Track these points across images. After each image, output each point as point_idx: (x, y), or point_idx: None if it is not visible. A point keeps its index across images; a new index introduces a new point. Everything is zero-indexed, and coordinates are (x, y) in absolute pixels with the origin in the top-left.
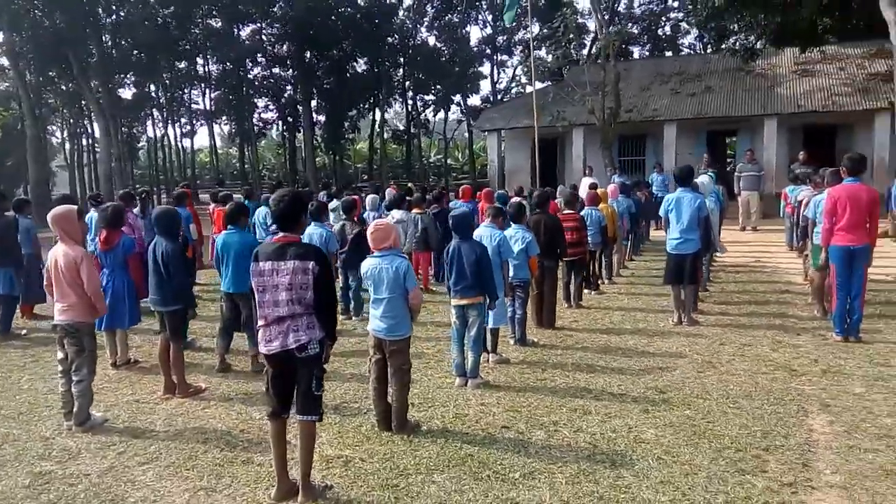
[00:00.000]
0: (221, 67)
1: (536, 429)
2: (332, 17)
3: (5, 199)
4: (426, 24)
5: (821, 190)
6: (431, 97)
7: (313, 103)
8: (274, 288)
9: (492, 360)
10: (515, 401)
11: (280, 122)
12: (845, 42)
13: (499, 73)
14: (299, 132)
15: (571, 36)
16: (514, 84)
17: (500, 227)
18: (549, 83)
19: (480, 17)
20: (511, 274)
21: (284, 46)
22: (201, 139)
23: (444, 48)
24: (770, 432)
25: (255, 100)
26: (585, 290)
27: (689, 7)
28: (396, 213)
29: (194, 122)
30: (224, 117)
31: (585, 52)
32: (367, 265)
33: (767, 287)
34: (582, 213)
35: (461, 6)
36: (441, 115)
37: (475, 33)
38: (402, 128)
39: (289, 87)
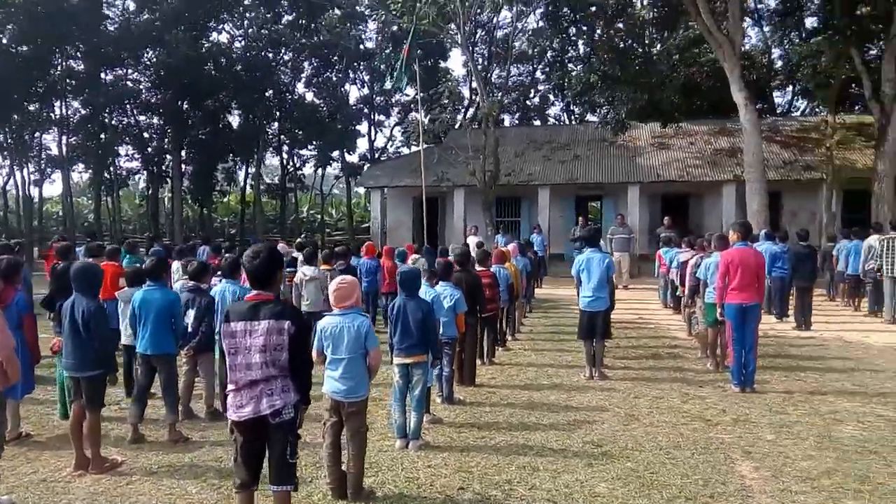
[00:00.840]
0: (81, 112)
1: (492, 489)
2: (209, 67)
3: None
4: (304, 80)
5: (708, 253)
6: (309, 152)
7: (182, 153)
8: (246, 350)
9: (426, 420)
10: (462, 461)
11: (144, 172)
12: (694, 120)
13: (376, 133)
14: (166, 183)
15: (455, 103)
16: (391, 144)
17: (432, 285)
18: (429, 145)
19: (358, 77)
20: (440, 332)
21: (155, 95)
22: (49, 188)
23: (322, 105)
24: (709, 480)
25: (117, 147)
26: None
27: (565, 82)
28: (308, 271)
29: (46, 168)
30: (81, 165)
31: (460, 117)
32: (327, 323)
33: (657, 342)
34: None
35: (340, 65)
36: (316, 170)
37: (353, 92)
38: (276, 182)
39: (155, 136)
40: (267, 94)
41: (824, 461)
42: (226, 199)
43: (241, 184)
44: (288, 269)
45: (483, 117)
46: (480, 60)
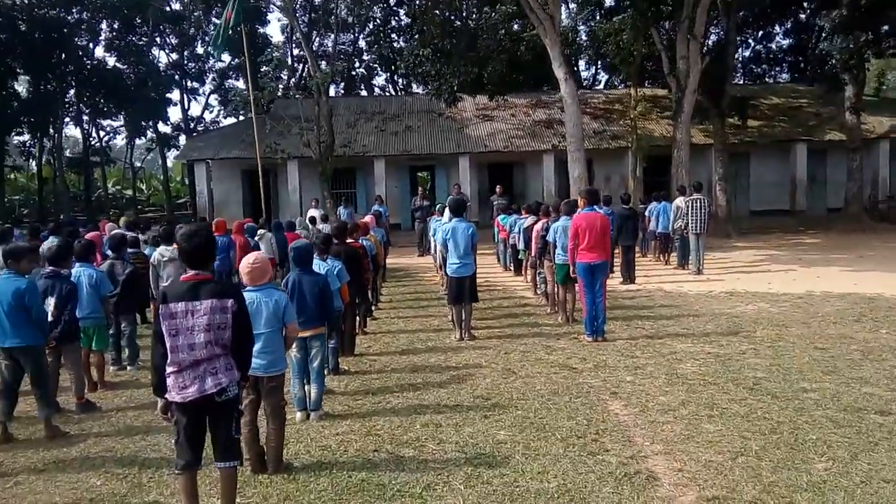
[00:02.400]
0: None
1: (403, 447)
2: None
3: None
4: (104, 43)
5: (555, 217)
6: (114, 123)
7: None
8: (188, 330)
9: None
10: (367, 426)
11: None
12: (514, 93)
13: (189, 102)
14: None
15: (280, 71)
16: (207, 112)
17: (322, 259)
18: (251, 115)
19: (167, 41)
20: None
21: None
22: None
23: (128, 70)
24: (591, 419)
25: None
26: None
27: (394, 54)
28: (166, 251)
29: None
30: None
31: (281, 86)
32: (249, 297)
33: (509, 302)
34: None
35: (146, 28)
36: (122, 142)
37: (162, 58)
38: (79, 155)
39: None
40: (60, 57)
41: (677, 395)
42: (12, 176)
43: (37, 158)
44: (130, 251)
45: (315, 86)
46: (300, 27)
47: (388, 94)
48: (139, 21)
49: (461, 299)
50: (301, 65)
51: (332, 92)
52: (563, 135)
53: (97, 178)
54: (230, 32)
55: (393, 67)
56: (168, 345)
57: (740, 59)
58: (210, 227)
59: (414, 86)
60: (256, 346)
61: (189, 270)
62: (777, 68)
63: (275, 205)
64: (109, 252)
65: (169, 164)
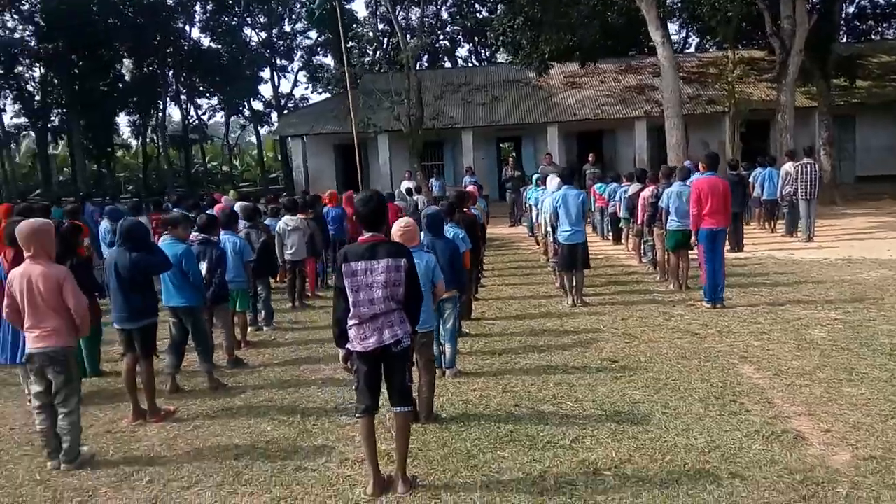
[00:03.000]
0: None
1: (542, 403)
2: (96, 11)
3: None
4: (199, 24)
5: (666, 184)
6: (208, 102)
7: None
8: (368, 287)
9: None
10: (502, 384)
11: (31, 130)
12: (602, 59)
13: (279, 79)
14: (59, 139)
15: (369, 46)
16: (296, 89)
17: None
18: (342, 91)
19: (256, 20)
20: None
21: (40, 44)
22: None
23: (223, 51)
24: (725, 382)
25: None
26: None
27: (486, 26)
28: (291, 220)
29: None
30: None
31: (368, 60)
32: None
33: (615, 271)
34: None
35: (238, 7)
36: (219, 119)
37: (253, 37)
38: (177, 133)
39: (42, 89)
40: (160, 39)
41: (810, 359)
42: (119, 153)
43: (141, 136)
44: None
45: (405, 60)
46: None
47: (470, 65)
48: (230, 2)
49: (573, 265)
50: (386, 39)
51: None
52: (655, 101)
53: (195, 155)
54: (325, 6)
55: (477, 38)
56: (350, 300)
57: (844, 15)
58: (382, 194)
59: (498, 56)
60: None
61: (365, 232)
62: (884, 24)
63: (366, 177)
64: (242, 222)
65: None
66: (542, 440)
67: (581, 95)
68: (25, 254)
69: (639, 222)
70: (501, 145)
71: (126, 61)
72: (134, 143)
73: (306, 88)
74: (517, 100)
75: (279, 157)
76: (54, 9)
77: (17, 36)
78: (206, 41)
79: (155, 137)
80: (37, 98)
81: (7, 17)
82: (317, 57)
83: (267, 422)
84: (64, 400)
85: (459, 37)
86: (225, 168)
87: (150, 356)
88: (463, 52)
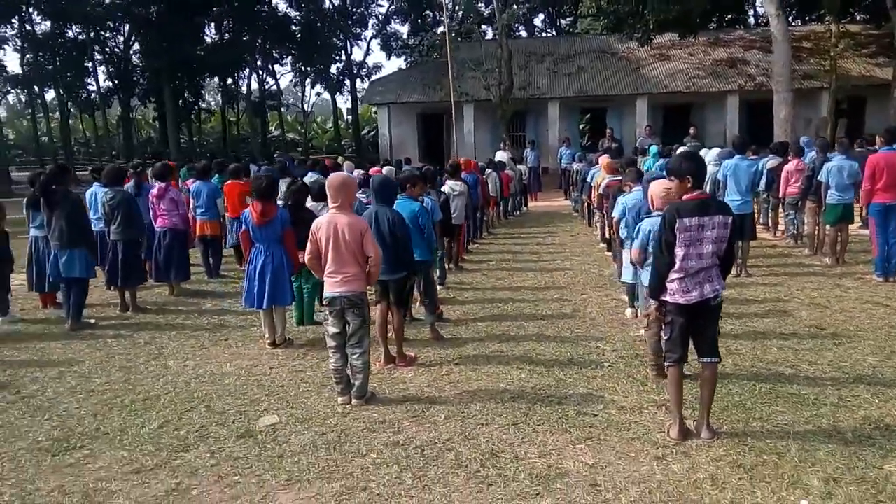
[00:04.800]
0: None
1: (777, 365)
2: None
3: (68, 171)
4: None
5: (822, 157)
6: (286, 70)
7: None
8: (698, 242)
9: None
10: (723, 346)
11: (119, 94)
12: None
13: (351, 47)
14: (148, 103)
15: (471, 14)
16: (369, 56)
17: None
18: (435, 58)
19: None
20: None
21: (141, 9)
22: None
23: (299, 17)
24: None
25: (89, 65)
26: None
27: None
28: (455, 185)
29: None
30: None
31: (458, 28)
32: (656, 222)
33: (757, 244)
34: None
35: None
36: (313, 86)
37: (327, 4)
38: (256, 99)
39: (134, 56)
40: (243, 5)
41: None
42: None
43: (225, 103)
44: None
45: (501, 28)
46: None
47: (548, 34)
48: None
49: (742, 235)
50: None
51: (490, 35)
52: (748, 75)
53: (269, 122)
54: None
55: (552, 7)
56: (679, 254)
57: None
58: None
59: (579, 25)
60: None
61: (694, 191)
62: None
63: (448, 147)
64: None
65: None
66: (808, 398)
67: (671, 68)
68: (332, 204)
69: (781, 195)
70: (581, 117)
71: (212, 26)
72: (215, 108)
73: (388, 56)
74: (604, 71)
75: (349, 128)
76: None
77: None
78: (282, 6)
79: (235, 104)
80: (133, 61)
81: None
82: (390, 26)
83: (514, 370)
84: (359, 341)
85: (536, 5)
86: (291, 136)
87: (402, 306)
88: (537, 21)
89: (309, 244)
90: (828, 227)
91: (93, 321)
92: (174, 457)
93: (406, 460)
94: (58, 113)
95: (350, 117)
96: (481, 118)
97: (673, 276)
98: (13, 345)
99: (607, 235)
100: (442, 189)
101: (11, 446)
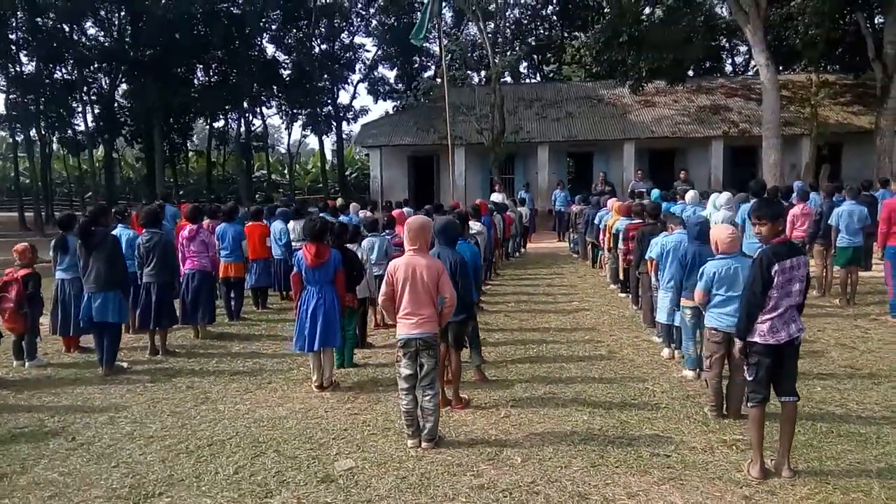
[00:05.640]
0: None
1: (827, 405)
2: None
3: (107, 213)
4: (269, 36)
5: (829, 202)
6: (274, 112)
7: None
8: (788, 282)
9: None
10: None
11: (105, 133)
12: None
13: (337, 91)
14: (134, 145)
15: (464, 61)
16: (356, 99)
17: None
18: (401, 103)
19: (320, 32)
20: None
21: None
22: None
23: (287, 61)
24: None
25: (77, 105)
26: None
27: (583, 42)
28: (475, 225)
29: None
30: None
31: (430, 73)
32: (720, 265)
33: None
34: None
35: (309, 20)
36: (312, 130)
37: (316, 49)
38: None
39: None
40: (237, 50)
41: None
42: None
43: (207, 144)
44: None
45: (495, 74)
46: (481, 17)
47: (530, 80)
48: (299, 13)
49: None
50: (466, 54)
51: (476, 80)
52: (731, 121)
53: (254, 162)
54: (431, 23)
55: (537, 56)
56: (773, 295)
57: None
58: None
59: (564, 70)
60: (729, 308)
61: (780, 235)
62: None
63: (438, 190)
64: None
65: (326, 148)
66: (870, 437)
67: (656, 114)
68: (409, 246)
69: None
70: (568, 161)
71: (199, 71)
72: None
73: (374, 100)
74: (591, 116)
75: (334, 168)
76: (146, 16)
77: (103, 44)
78: (270, 50)
79: (223, 145)
80: (120, 102)
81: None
82: (377, 70)
83: (574, 411)
84: (430, 382)
85: (524, 53)
86: (274, 177)
87: (460, 348)
88: (522, 68)
89: (384, 286)
90: (836, 268)
91: (125, 365)
92: (260, 503)
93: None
94: (29, 153)
95: (333, 159)
96: (472, 161)
97: (764, 317)
98: (50, 389)
99: (620, 277)
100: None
101: (87, 494)
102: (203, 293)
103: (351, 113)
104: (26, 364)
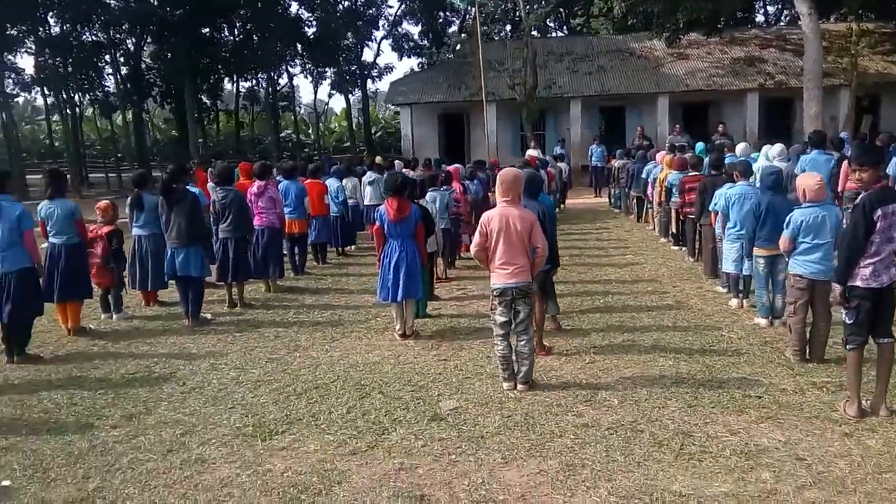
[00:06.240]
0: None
1: None
2: None
3: (187, 171)
4: None
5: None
6: (299, 70)
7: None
8: (888, 227)
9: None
10: None
11: (134, 94)
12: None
13: (362, 48)
14: (164, 106)
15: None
16: (380, 56)
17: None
18: (426, 59)
19: None
20: None
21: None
22: None
23: (311, 18)
24: None
25: (106, 67)
26: None
27: None
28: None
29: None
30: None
31: (453, 29)
32: (808, 213)
33: None
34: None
35: None
36: (342, 89)
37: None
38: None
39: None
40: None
41: None
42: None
43: (234, 104)
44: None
45: (527, 28)
46: None
47: (558, 34)
48: None
49: None
50: (474, 8)
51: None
52: (767, 73)
53: (282, 122)
54: None
55: (564, 8)
56: (875, 240)
57: None
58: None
59: (592, 24)
60: (816, 255)
61: (880, 181)
62: None
63: (468, 147)
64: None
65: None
66: None
67: (690, 66)
68: (502, 198)
69: (840, 189)
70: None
71: (224, 31)
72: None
73: (399, 56)
74: (623, 69)
75: (360, 126)
76: None
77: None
78: (294, 8)
79: (252, 105)
80: (149, 63)
81: None
82: (400, 27)
83: (658, 357)
84: (525, 328)
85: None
86: (296, 136)
87: (545, 297)
88: (549, 21)
89: (478, 236)
90: None
91: (209, 317)
92: (380, 439)
93: (605, 440)
94: (61, 115)
95: (358, 118)
96: (502, 118)
97: (866, 261)
98: (143, 339)
99: (673, 230)
100: None
101: (215, 432)
102: (272, 249)
103: (376, 70)
104: (114, 317)
